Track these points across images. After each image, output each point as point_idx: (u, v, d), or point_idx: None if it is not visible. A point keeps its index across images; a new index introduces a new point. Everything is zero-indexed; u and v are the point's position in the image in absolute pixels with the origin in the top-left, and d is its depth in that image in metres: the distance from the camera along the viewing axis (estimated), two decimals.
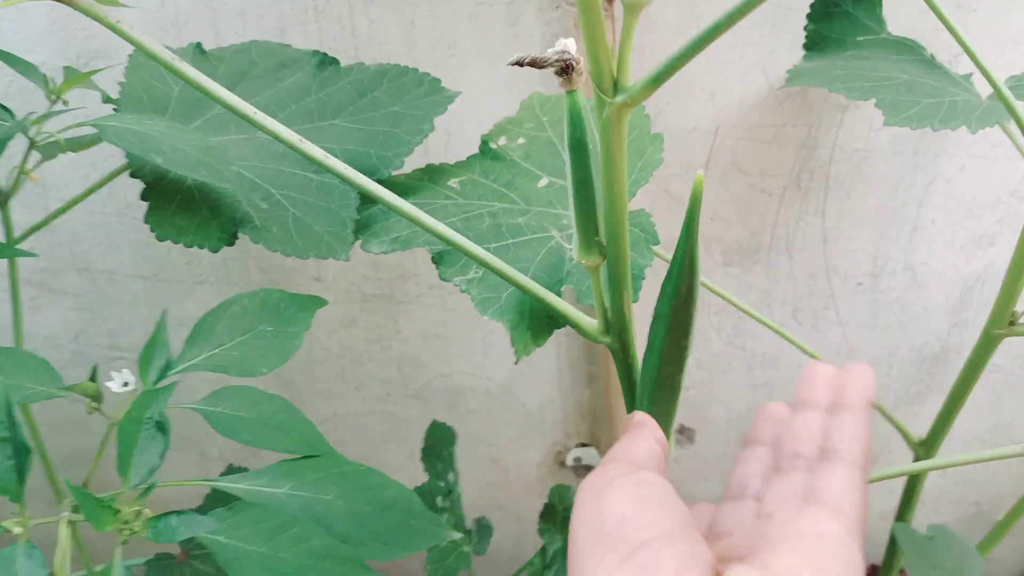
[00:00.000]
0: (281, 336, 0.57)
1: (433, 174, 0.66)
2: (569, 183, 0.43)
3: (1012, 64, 0.79)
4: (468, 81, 0.79)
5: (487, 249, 0.59)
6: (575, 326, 0.50)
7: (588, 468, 1.06)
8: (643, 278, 0.58)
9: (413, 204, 0.63)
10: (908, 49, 0.76)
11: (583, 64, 0.38)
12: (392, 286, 0.92)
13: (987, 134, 0.85)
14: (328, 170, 0.46)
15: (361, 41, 0.78)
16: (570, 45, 0.37)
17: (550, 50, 0.37)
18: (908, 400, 1.02)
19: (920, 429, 0.79)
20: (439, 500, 0.76)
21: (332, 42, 0.78)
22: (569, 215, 0.63)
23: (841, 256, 0.91)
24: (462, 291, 0.58)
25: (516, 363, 0.58)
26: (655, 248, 0.58)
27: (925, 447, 0.73)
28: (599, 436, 1.02)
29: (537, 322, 0.58)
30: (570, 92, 0.39)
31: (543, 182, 0.65)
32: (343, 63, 0.70)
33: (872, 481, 0.42)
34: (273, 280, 0.92)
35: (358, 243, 0.61)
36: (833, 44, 0.78)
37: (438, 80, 0.68)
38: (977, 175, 0.87)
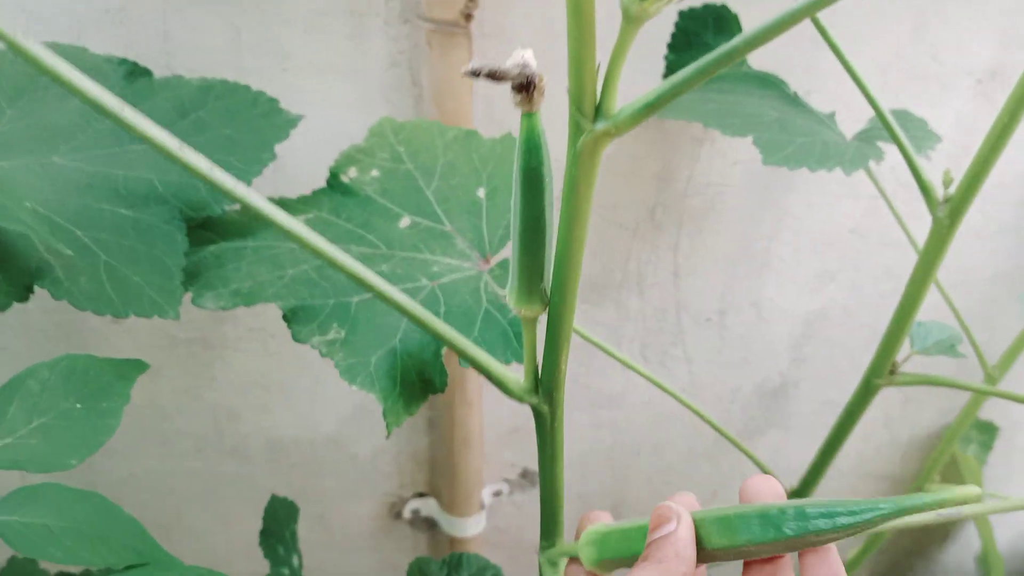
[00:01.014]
0: (93, 415, 0.46)
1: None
2: (514, 218, 0.36)
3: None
4: (304, 100, 0.69)
5: (348, 303, 0.50)
6: (498, 383, 0.43)
7: (427, 521, 0.97)
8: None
9: (252, 248, 0.53)
10: (771, 84, 0.73)
11: (545, 82, 0.31)
12: (206, 329, 0.80)
13: (833, 172, 0.85)
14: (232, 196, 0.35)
15: (176, 49, 0.66)
16: (529, 57, 0.30)
17: (509, 62, 0.30)
18: (748, 435, 1.01)
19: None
20: None
21: (140, 49, 0.66)
22: (439, 261, 0.55)
23: (691, 292, 0.88)
24: (322, 356, 0.48)
25: (387, 437, 0.49)
26: None
27: (796, 497, 0.70)
28: (438, 486, 0.94)
29: (410, 388, 0.50)
30: (528, 115, 0.32)
31: (405, 222, 0.57)
32: (156, 75, 0.59)
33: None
34: (58, 324, 0.77)
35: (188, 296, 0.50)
36: None
37: (275, 100, 0.58)
38: (822, 213, 0.86)
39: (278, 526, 0.63)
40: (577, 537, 0.43)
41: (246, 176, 0.53)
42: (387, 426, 0.48)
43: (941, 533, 1.17)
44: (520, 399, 0.42)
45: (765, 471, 0.70)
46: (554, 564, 0.47)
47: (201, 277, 0.50)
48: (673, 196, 0.82)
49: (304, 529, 0.96)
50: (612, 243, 0.83)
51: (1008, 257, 0.93)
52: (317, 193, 0.58)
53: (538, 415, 0.43)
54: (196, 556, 0.95)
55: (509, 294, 0.39)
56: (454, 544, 0.95)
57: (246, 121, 0.55)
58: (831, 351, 0.96)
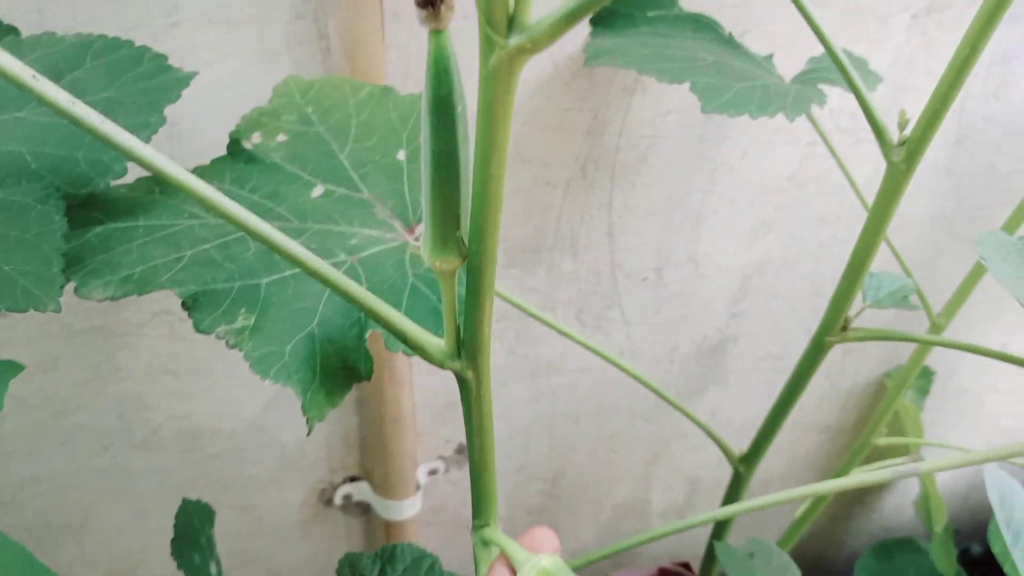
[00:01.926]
0: None
1: (168, 185, 0.49)
2: (425, 156, 0.31)
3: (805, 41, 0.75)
4: (198, 59, 0.63)
5: (257, 284, 0.45)
6: (417, 349, 0.38)
7: (360, 505, 0.92)
8: None
9: (143, 227, 0.47)
10: (705, 27, 0.69)
11: None
12: (106, 316, 0.73)
13: (767, 119, 0.81)
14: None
15: (48, 3, 0.58)
16: None
17: None
18: (688, 394, 0.98)
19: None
20: None
21: (5, 4, 0.58)
22: (358, 232, 0.50)
23: (626, 251, 0.84)
24: (230, 346, 0.42)
25: (308, 434, 0.44)
26: None
27: (746, 463, 0.67)
28: (370, 468, 0.89)
29: (332, 378, 0.44)
30: (436, 33, 0.28)
31: (318, 190, 0.51)
32: (24, 32, 0.52)
33: None
34: None
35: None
36: (622, 20, 0.70)
37: (163, 56, 0.51)
38: (758, 162, 0.83)
39: (192, 532, 0.57)
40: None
41: None
42: (308, 421, 0.42)
43: (879, 483, 1.17)
44: (442, 365, 0.38)
45: (707, 431, 0.67)
46: (487, 544, 0.42)
47: (85, 263, 0.44)
48: (604, 150, 0.77)
49: (229, 522, 0.91)
50: (542, 203, 0.79)
51: (946, 199, 0.91)
52: (216, 162, 0.51)
53: (462, 382, 0.39)
54: (110, 558, 0.88)
55: (423, 246, 0.34)
56: (389, 528, 0.90)
57: (130, 81, 0.49)
58: (770, 304, 0.94)
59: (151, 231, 0.46)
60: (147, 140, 0.47)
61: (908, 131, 0.49)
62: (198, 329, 0.43)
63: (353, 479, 0.90)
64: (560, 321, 0.87)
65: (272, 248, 0.34)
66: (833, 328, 0.58)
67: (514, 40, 0.27)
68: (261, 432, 0.85)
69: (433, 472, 0.92)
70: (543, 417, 0.94)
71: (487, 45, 0.28)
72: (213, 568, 0.57)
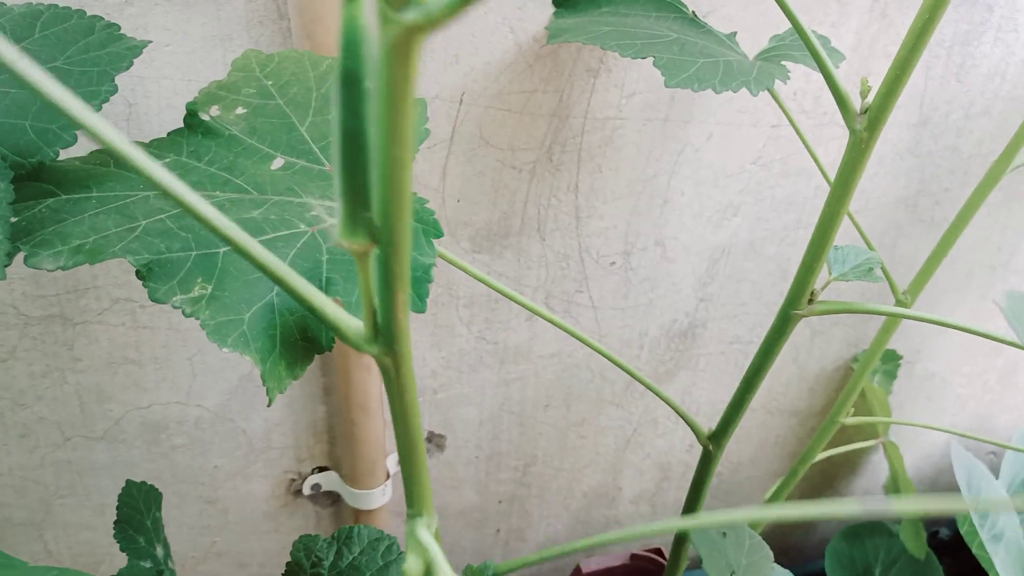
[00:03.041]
0: None
1: (119, 157, 0.48)
2: (335, 134, 0.30)
3: (767, 24, 0.76)
4: (156, 40, 0.61)
5: (214, 254, 0.44)
6: (335, 329, 0.36)
7: (329, 495, 0.91)
8: (429, 280, 0.45)
9: (97, 199, 0.46)
10: (667, 6, 0.69)
11: None
12: (63, 303, 0.72)
13: (732, 100, 0.82)
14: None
15: None
16: None
17: None
18: (658, 379, 0.98)
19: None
20: None
21: None
22: (318, 204, 0.49)
23: (594, 235, 0.84)
24: (186, 315, 0.42)
25: (269, 405, 0.43)
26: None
27: (715, 440, 0.67)
28: (339, 457, 0.88)
29: (292, 348, 0.44)
30: (350, 2, 0.26)
31: (277, 163, 0.50)
32: None
33: None
34: None
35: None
36: (585, 1, 0.70)
37: (116, 25, 0.50)
38: (723, 143, 0.83)
39: (136, 514, 0.56)
40: None
41: None
42: (268, 392, 0.42)
43: (849, 466, 1.18)
44: (359, 348, 0.37)
45: (675, 409, 0.66)
46: (420, 545, 0.41)
47: (35, 234, 0.43)
48: (570, 133, 0.77)
49: (195, 515, 0.89)
50: (509, 187, 0.78)
51: (909, 181, 0.91)
52: (173, 135, 0.50)
53: (383, 368, 0.37)
54: (73, 553, 0.87)
55: (336, 226, 0.33)
56: (359, 518, 0.89)
57: (81, 51, 0.48)
58: (737, 287, 0.94)
59: (104, 202, 0.45)
60: (97, 108, 0.46)
61: (870, 99, 0.49)
62: (153, 298, 0.42)
63: (322, 469, 0.89)
64: (530, 303, 0.86)
65: (198, 219, 0.33)
66: (799, 301, 0.58)
67: (410, 17, 0.26)
68: (226, 422, 0.83)
69: None
70: (512, 404, 0.93)
71: (384, 21, 0.26)
72: (159, 551, 0.56)
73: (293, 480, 0.89)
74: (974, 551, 1.01)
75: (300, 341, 0.44)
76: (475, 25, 0.69)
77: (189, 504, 0.88)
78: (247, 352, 0.41)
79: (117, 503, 0.57)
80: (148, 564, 0.58)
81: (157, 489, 0.59)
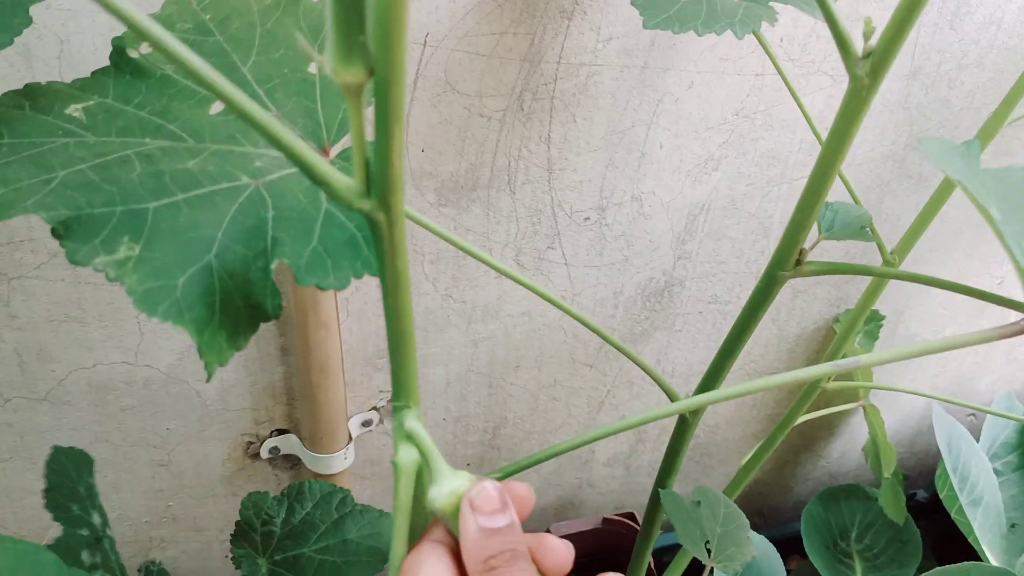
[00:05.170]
0: None
1: (39, 98, 0.43)
2: None
3: None
4: None
5: (144, 209, 0.39)
6: (323, 184, 0.32)
7: (288, 458, 0.88)
8: None
9: (7, 145, 0.41)
10: None
11: None
12: None
13: (715, 47, 0.77)
14: None
15: None
16: None
17: None
18: (633, 339, 0.95)
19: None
20: (85, 555, 0.54)
21: None
22: (264, 154, 0.45)
23: (567, 189, 0.80)
24: (110, 279, 0.37)
25: (208, 380, 0.39)
26: None
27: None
28: (298, 419, 0.84)
29: (234, 317, 0.39)
30: None
31: (216, 107, 0.45)
32: None
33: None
34: None
35: None
36: None
37: None
38: (704, 93, 0.78)
39: (67, 481, 0.52)
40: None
41: None
42: (206, 366, 0.37)
43: (827, 429, 1.16)
44: (350, 205, 0.32)
45: (650, 373, 0.63)
46: (409, 438, 0.38)
47: None
48: (543, 79, 0.72)
49: (148, 478, 0.85)
50: (477, 136, 0.74)
51: (898, 135, 0.88)
52: (98, 74, 0.45)
53: (373, 227, 0.33)
54: (19, 519, 0.82)
55: (327, 55, 0.29)
56: None
57: None
58: (716, 245, 0.90)
59: (16, 149, 0.40)
60: (9, 42, 0.41)
61: (874, 41, 0.45)
62: (72, 260, 0.38)
63: (280, 431, 0.85)
64: (498, 264, 0.82)
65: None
66: (787, 261, 0.54)
67: None
68: (179, 382, 0.79)
69: (367, 424, 0.87)
70: (481, 364, 0.89)
71: None
72: (96, 518, 0.52)
73: (251, 443, 0.85)
74: (953, 516, 0.99)
75: (243, 308, 0.40)
76: None
77: (141, 467, 0.84)
78: (180, 323, 0.37)
79: (45, 470, 0.53)
80: (85, 532, 0.55)
81: (87, 454, 0.54)
